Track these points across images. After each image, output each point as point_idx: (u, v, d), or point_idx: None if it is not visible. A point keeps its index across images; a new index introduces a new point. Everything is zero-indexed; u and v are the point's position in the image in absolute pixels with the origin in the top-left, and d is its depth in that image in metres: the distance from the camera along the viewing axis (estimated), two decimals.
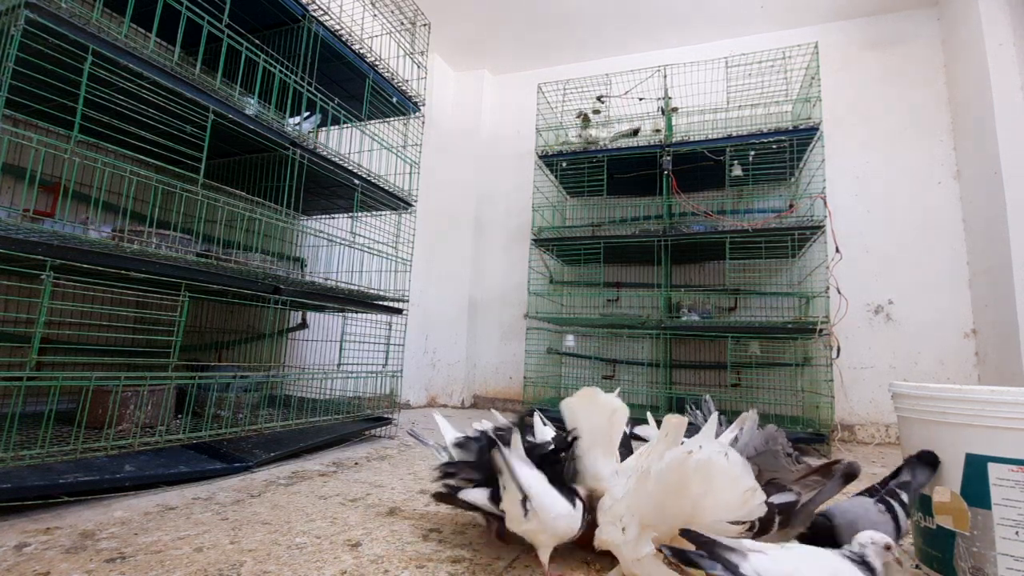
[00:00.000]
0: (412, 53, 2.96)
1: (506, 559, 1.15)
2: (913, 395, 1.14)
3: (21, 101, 1.45)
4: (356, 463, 2.03)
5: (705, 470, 0.89)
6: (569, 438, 1.16)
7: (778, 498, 1.00)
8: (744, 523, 0.89)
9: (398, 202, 2.75)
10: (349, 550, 1.16)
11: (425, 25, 3.03)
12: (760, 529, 0.96)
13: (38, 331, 1.39)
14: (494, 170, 4.57)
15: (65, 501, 1.36)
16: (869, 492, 1.10)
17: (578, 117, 3.76)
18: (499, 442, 1.08)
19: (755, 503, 0.88)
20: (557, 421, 1.82)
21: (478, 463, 1.23)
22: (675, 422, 0.97)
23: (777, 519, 0.97)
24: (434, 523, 1.37)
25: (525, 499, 1.00)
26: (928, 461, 1.07)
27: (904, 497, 1.05)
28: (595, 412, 1.16)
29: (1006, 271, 2.77)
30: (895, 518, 1.01)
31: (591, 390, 1.17)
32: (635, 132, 3.55)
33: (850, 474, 1.07)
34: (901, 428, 1.22)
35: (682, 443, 0.95)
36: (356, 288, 2.48)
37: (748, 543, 0.83)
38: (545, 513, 1.00)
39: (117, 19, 1.95)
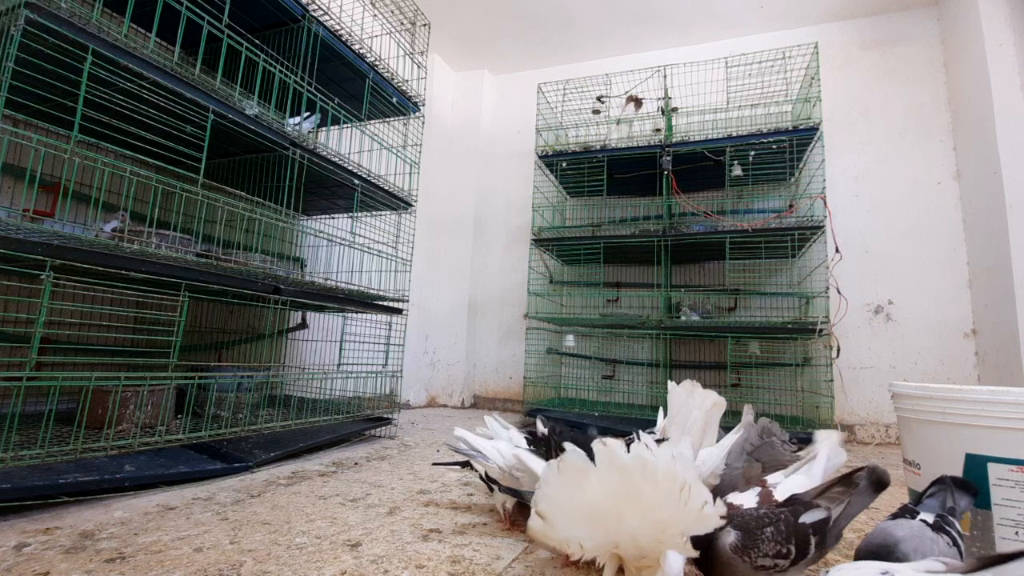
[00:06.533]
0: (412, 53, 2.96)
1: (506, 559, 1.15)
2: (913, 395, 1.14)
3: (21, 101, 1.45)
4: (356, 463, 2.03)
5: (639, 462, 0.80)
6: (651, 430, 1.17)
7: (809, 516, 0.90)
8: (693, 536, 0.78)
9: (398, 202, 2.75)
10: (349, 550, 1.16)
11: (425, 25, 3.03)
12: (797, 555, 0.86)
13: (38, 331, 1.39)
14: (494, 170, 4.57)
15: (65, 501, 1.36)
16: (905, 515, 0.97)
17: (595, 113, 3.79)
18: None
19: (696, 502, 0.76)
20: (558, 421, 1.83)
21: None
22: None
23: (813, 541, 0.88)
24: (434, 523, 1.37)
25: None
26: (968, 489, 1.00)
27: (958, 526, 0.93)
28: (692, 404, 1.16)
29: (1006, 271, 2.77)
30: (960, 553, 0.89)
31: (691, 383, 1.20)
32: (638, 103, 3.56)
33: (879, 482, 0.95)
34: (901, 428, 1.22)
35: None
36: (356, 288, 2.48)
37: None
38: None
39: (117, 19, 1.95)
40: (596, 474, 0.84)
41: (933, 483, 1.04)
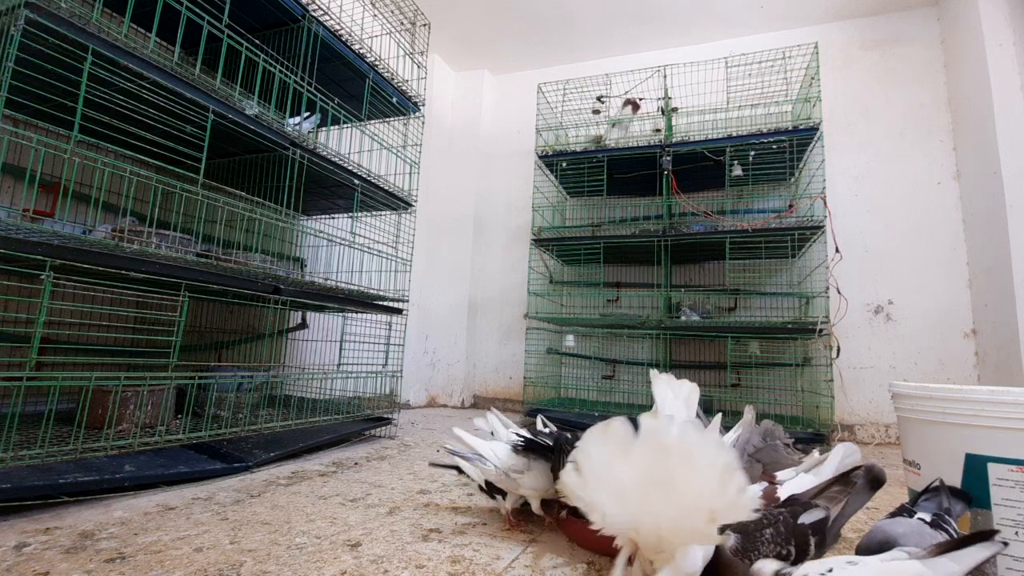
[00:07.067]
0: (412, 53, 2.96)
1: (506, 559, 1.15)
2: (913, 395, 1.14)
3: (21, 101, 1.44)
4: (356, 463, 2.03)
5: (684, 447, 0.77)
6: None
7: (808, 517, 0.91)
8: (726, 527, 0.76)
9: (398, 202, 2.75)
10: (349, 550, 1.16)
11: (425, 25, 3.03)
12: (797, 555, 0.86)
13: (38, 331, 1.39)
14: (494, 170, 4.57)
15: (65, 501, 1.36)
16: (903, 514, 0.99)
17: (595, 113, 3.81)
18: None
19: (734, 487, 0.74)
20: (558, 421, 1.83)
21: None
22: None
23: (813, 541, 0.88)
24: (434, 523, 1.37)
25: None
26: (963, 497, 1.01)
27: (955, 525, 0.95)
28: (673, 393, 1.21)
29: (1006, 271, 2.77)
30: None
31: (667, 375, 1.28)
32: (635, 106, 3.57)
33: (876, 480, 0.96)
34: (901, 428, 1.22)
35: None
36: (356, 288, 2.48)
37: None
38: None
39: (117, 19, 1.95)
40: (637, 448, 0.81)
41: (927, 489, 1.05)
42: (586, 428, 0.88)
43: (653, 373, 1.28)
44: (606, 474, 0.83)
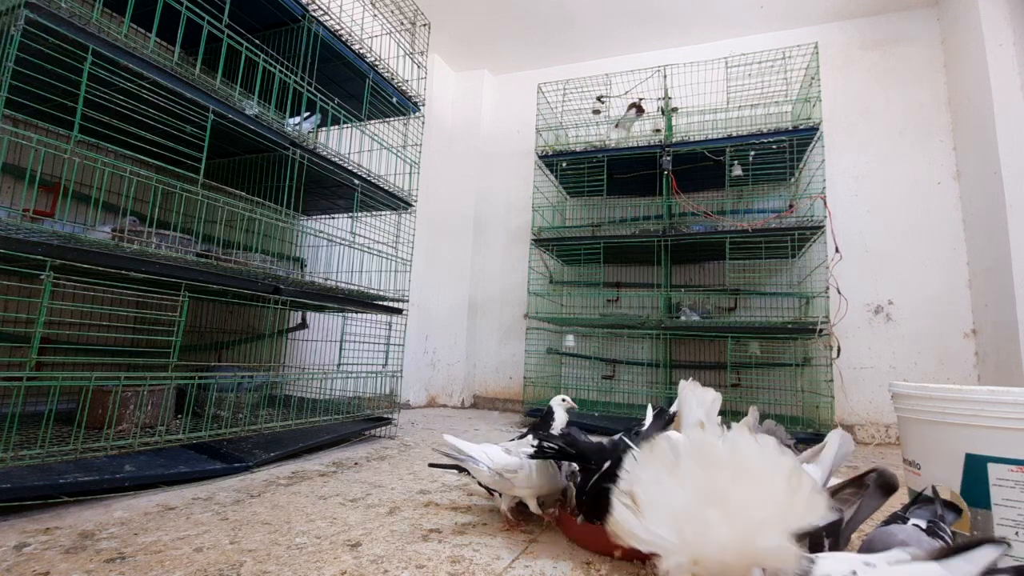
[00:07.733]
0: (412, 53, 2.96)
1: (506, 559, 1.15)
2: (913, 395, 1.14)
3: (21, 101, 1.44)
4: (356, 463, 2.03)
5: (735, 454, 0.72)
6: (666, 418, 1.27)
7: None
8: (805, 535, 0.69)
9: (398, 202, 2.75)
10: (349, 550, 1.16)
11: (425, 25, 3.03)
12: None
13: (38, 331, 1.39)
14: (494, 170, 4.57)
15: (65, 501, 1.36)
16: (897, 521, 0.99)
17: (595, 113, 3.80)
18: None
19: (805, 489, 0.68)
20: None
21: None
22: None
23: (827, 543, 0.86)
24: (434, 523, 1.37)
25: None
26: (952, 508, 1.02)
27: (949, 531, 0.96)
28: (696, 400, 1.25)
29: (1006, 271, 2.77)
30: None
31: (693, 382, 1.31)
32: (640, 110, 3.55)
33: (887, 485, 0.96)
34: (901, 428, 1.22)
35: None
36: (356, 288, 2.48)
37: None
38: None
39: (117, 19, 1.95)
40: (685, 467, 0.74)
41: (917, 497, 1.05)
42: (586, 428, 0.86)
43: (681, 382, 1.31)
44: (663, 499, 0.75)
